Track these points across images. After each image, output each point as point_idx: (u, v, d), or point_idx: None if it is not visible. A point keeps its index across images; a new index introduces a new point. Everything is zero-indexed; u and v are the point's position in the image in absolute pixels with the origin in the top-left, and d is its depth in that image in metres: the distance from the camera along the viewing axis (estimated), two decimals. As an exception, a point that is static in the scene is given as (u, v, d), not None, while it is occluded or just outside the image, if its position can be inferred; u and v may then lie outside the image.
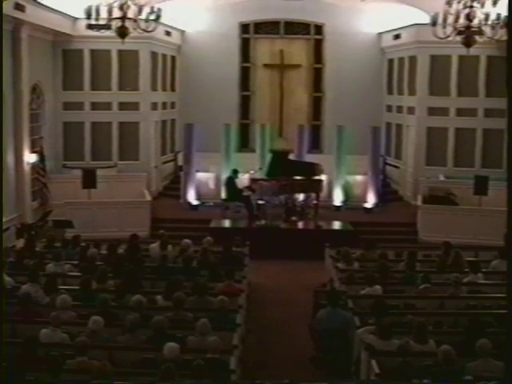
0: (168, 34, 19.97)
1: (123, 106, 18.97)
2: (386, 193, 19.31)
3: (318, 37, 21.67)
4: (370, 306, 8.78)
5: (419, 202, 17.26)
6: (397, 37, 20.10)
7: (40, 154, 16.58)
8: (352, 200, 18.68)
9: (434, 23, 12.24)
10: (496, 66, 17.88)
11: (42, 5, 15.59)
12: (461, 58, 18.30)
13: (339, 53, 21.18)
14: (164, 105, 20.34)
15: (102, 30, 13.67)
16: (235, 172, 17.88)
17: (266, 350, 9.96)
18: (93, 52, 18.68)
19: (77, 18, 17.56)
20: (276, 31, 21.69)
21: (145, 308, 8.33)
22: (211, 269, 10.51)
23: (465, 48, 12.71)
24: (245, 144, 21.65)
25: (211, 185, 19.03)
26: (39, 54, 17.16)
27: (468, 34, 12.31)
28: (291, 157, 18.96)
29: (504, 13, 11.48)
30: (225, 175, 18.18)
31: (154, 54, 19.27)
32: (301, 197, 17.83)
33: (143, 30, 12.47)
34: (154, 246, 12.25)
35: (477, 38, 12.60)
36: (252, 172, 18.33)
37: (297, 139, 19.66)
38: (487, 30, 12.57)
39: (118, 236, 13.13)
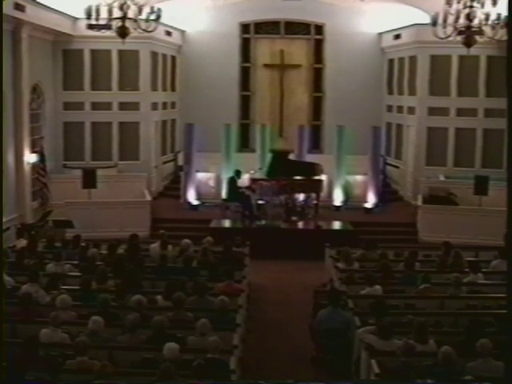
0: (168, 33, 19.98)
1: (123, 105, 18.97)
2: (385, 193, 19.29)
3: (318, 37, 21.68)
4: (370, 306, 8.77)
5: (419, 202, 17.26)
6: (397, 37, 20.10)
7: (40, 153, 16.58)
8: (352, 200, 18.68)
9: (434, 23, 12.24)
10: (496, 65, 17.89)
11: (42, 5, 15.60)
12: (461, 57, 18.31)
13: (339, 53, 21.19)
14: (164, 105, 20.34)
15: (103, 30, 13.66)
16: (238, 173, 17.86)
17: (266, 350, 9.95)
18: (93, 52, 18.69)
19: (77, 18, 17.58)
20: (276, 31, 21.70)
21: (145, 308, 8.33)
22: (211, 269, 10.51)
23: (465, 48, 12.71)
24: (245, 144, 21.65)
25: (211, 185, 19.04)
26: (39, 54, 17.16)
27: (468, 34, 12.31)
28: (291, 157, 18.95)
29: (504, 13, 11.48)
30: (225, 175, 18.19)
31: (154, 54, 19.28)
32: (301, 197, 17.82)
33: (143, 29, 12.48)
34: (154, 246, 12.26)
35: (477, 37, 12.59)
36: (252, 172, 18.31)
37: (297, 139, 19.66)
38: (487, 29, 12.56)
39: (118, 236, 13.15)
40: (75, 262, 11.15)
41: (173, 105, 21.16)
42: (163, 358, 6.80)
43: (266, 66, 21.76)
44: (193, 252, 11.77)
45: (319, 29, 21.60)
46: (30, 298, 8.59)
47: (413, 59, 19.37)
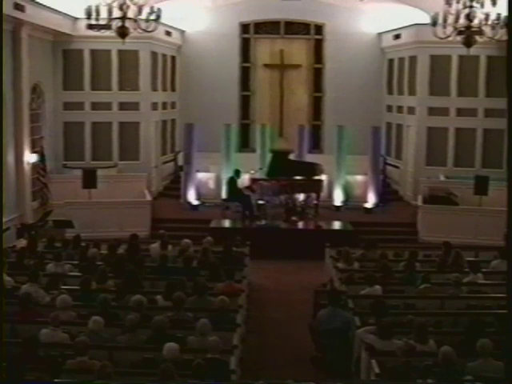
0: (168, 34, 19.98)
1: (123, 105, 18.98)
2: (386, 193, 19.30)
3: (318, 37, 21.68)
4: (370, 306, 8.77)
5: (419, 202, 17.26)
6: (397, 37, 20.10)
7: (40, 153, 16.59)
8: (352, 200, 18.68)
9: (434, 23, 12.25)
10: (496, 65, 17.89)
11: (42, 5, 15.60)
12: (461, 58, 18.31)
13: (339, 53, 21.19)
14: (164, 105, 20.34)
15: (102, 30, 13.63)
16: (237, 172, 17.87)
17: (266, 350, 9.96)
18: (93, 52, 18.69)
19: (77, 18, 17.59)
20: (276, 31, 21.70)
21: (145, 308, 8.33)
22: (211, 269, 10.51)
23: (465, 48, 12.72)
24: (245, 144, 21.66)
25: (211, 185, 19.04)
26: (39, 54, 17.17)
27: (468, 34, 12.31)
28: (291, 157, 18.95)
29: (504, 13, 11.48)
30: (225, 175, 18.19)
31: (154, 54, 19.28)
32: (301, 197, 17.83)
33: (143, 29, 12.48)
34: (154, 246, 12.26)
35: (477, 37, 12.60)
36: (252, 172, 18.33)
37: (297, 139, 19.67)
38: (487, 29, 12.57)
39: (117, 236, 13.16)
40: (75, 262, 11.15)
41: (173, 105, 21.16)
42: (163, 358, 6.79)
43: (266, 66, 21.77)
44: (193, 252, 11.78)
45: (319, 29, 21.61)
46: (29, 298, 8.58)
47: (413, 59, 19.37)
